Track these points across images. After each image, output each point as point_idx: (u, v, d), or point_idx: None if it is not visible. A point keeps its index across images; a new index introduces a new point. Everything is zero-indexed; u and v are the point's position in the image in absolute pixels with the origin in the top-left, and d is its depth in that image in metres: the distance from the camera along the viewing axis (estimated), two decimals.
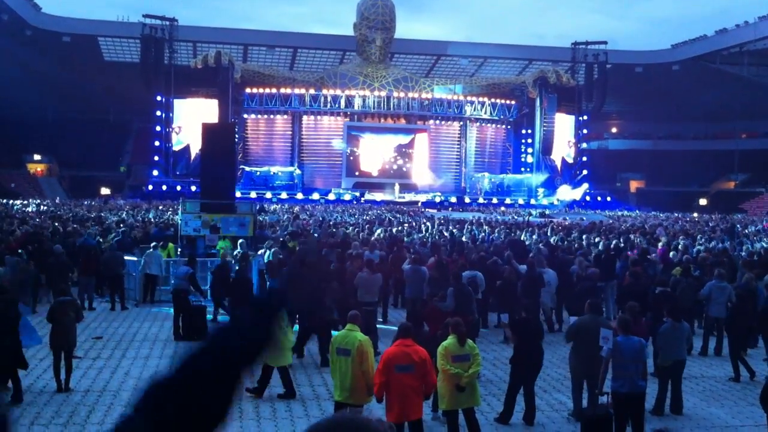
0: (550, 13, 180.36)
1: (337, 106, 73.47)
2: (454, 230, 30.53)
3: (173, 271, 19.15)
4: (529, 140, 76.23)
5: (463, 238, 25.62)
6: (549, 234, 29.69)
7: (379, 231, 28.68)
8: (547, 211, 57.70)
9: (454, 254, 19.33)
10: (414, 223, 36.49)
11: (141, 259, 20.21)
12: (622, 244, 23.65)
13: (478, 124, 78.16)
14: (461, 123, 77.34)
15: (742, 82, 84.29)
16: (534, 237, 28.03)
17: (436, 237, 27.26)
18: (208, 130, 26.02)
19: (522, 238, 26.38)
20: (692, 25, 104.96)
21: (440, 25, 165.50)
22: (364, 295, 14.62)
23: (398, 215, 44.41)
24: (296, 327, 14.41)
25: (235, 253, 19.44)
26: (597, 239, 26.49)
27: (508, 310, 15.91)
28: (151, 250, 20.09)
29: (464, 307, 12.94)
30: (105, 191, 74.06)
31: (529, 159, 76.15)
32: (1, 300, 11.12)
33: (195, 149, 65.21)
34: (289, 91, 73.25)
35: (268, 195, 64.92)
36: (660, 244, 24.25)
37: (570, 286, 16.93)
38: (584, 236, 27.41)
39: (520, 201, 71.73)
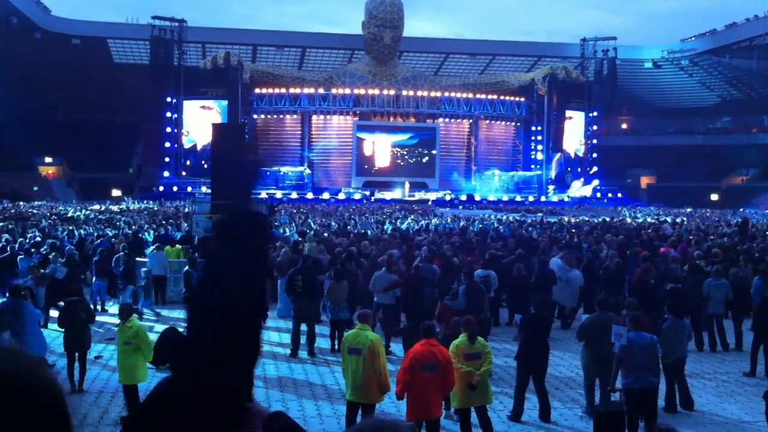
0: (544, 10, 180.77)
1: (346, 105, 73.56)
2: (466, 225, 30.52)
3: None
4: (539, 137, 76.10)
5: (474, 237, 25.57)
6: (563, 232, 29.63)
7: (388, 227, 28.78)
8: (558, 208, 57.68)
9: (463, 253, 19.30)
10: (424, 222, 36.55)
11: (148, 261, 20.27)
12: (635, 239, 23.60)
13: (487, 121, 78.12)
14: (471, 121, 77.35)
15: (752, 76, 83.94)
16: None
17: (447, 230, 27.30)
18: (218, 131, 26.10)
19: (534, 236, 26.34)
20: (697, 20, 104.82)
21: (438, 23, 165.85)
22: (382, 295, 14.60)
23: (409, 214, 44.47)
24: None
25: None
26: (607, 236, 26.42)
27: (519, 308, 15.90)
28: (156, 251, 20.15)
29: (476, 305, 12.92)
30: (116, 193, 74.27)
31: (539, 156, 76.04)
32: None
33: (200, 144, 67.10)
34: (298, 90, 73.34)
35: (279, 195, 65.02)
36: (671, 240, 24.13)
37: (596, 285, 16.79)
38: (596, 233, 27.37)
39: (530, 198, 71.63)
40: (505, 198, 70.34)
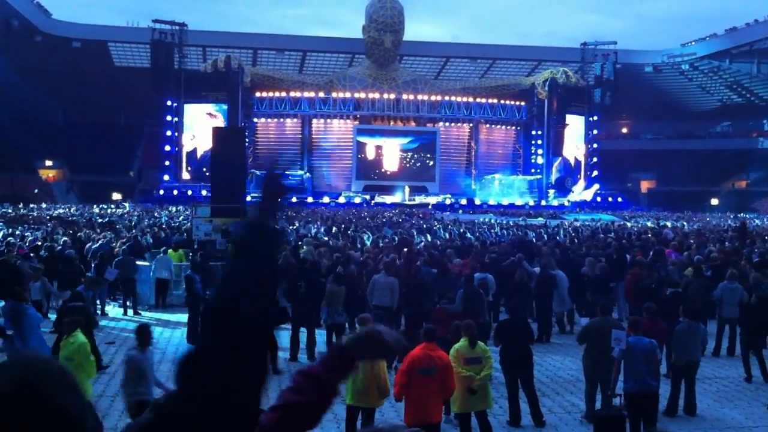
0: (543, 14, 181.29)
1: (346, 108, 73.59)
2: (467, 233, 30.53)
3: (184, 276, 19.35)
4: (539, 141, 76.18)
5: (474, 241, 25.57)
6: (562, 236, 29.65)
7: (388, 232, 28.79)
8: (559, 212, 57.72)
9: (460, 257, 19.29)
10: (424, 225, 36.49)
11: (152, 264, 20.28)
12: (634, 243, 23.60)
13: (488, 125, 78.14)
14: (471, 124, 77.35)
15: (752, 80, 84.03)
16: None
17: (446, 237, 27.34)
18: (218, 135, 26.11)
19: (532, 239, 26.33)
20: (697, 24, 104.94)
21: (437, 26, 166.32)
22: (380, 298, 14.57)
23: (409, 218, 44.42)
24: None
25: None
26: (608, 240, 26.42)
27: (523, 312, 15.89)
28: (161, 254, 20.16)
29: (474, 309, 12.89)
30: (116, 196, 74.25)
31: (540, 160, 76.10)
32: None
33: (201, 150, 67.73)
34: (298, 94, 73.39)
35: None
36: (671, 245, 24.13)
37: (581, 287, 16.92)
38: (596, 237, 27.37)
39: (531, 202, 71.59)
40: (506, 202, 70.26)
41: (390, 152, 74.36)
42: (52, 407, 1.25)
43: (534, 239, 27.09)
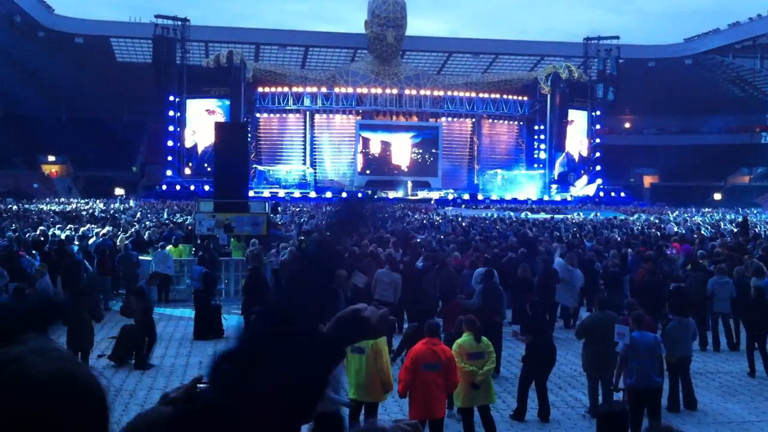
0: (546, 8, 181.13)
1: (349, 104, 73.48)
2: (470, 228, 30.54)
3: (187, 271, 19.37)
4: (542, 136, 76.04)
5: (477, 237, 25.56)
6: (563, 231, 29.63)
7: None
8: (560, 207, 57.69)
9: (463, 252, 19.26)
10: (426, 221, 36.52)
11: (153, 258, 20.29)
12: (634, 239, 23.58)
13: (490, 120, 78.02)
14: (473, 120, 77.23)
15: (755, 75, 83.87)
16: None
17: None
18: (221, 130, 26.11)
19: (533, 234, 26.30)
20: (700, 19, 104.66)
21: (439, 20, 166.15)
22: (382, 293, 14.55)
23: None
24: None
25: (247, 251, 19.51)
26: (611, 235, 26.44)
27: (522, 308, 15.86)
28: (159, 249, 20.16)
29: (492, 306, 12.82)
30: (119, 192, 74.33)
31: (542, 155, 75.99)
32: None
33: (201, 146, 68.35)
34: (301, 89, 73.25)
35: (281, 194, 64.98)
36: (673, 239, 24.10)
37: (594, 283, 16.80)
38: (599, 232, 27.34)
39: (533, 197, 71.48)
40: (508, 197, 70.19)
41: (400, 148, 74.16)
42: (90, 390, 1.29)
43: (537, 235, 27.05)
